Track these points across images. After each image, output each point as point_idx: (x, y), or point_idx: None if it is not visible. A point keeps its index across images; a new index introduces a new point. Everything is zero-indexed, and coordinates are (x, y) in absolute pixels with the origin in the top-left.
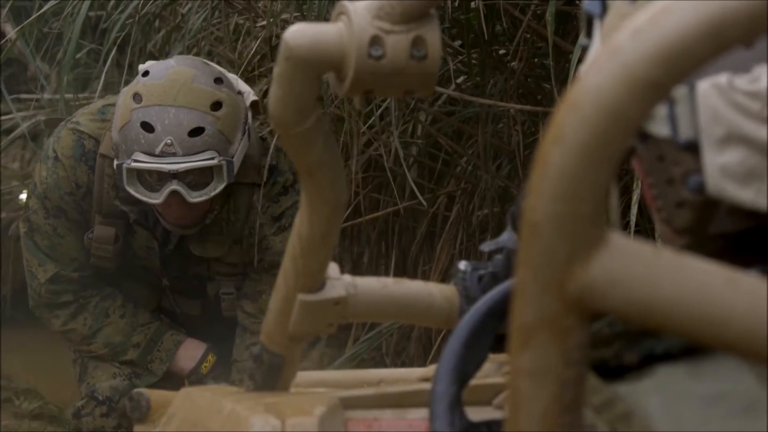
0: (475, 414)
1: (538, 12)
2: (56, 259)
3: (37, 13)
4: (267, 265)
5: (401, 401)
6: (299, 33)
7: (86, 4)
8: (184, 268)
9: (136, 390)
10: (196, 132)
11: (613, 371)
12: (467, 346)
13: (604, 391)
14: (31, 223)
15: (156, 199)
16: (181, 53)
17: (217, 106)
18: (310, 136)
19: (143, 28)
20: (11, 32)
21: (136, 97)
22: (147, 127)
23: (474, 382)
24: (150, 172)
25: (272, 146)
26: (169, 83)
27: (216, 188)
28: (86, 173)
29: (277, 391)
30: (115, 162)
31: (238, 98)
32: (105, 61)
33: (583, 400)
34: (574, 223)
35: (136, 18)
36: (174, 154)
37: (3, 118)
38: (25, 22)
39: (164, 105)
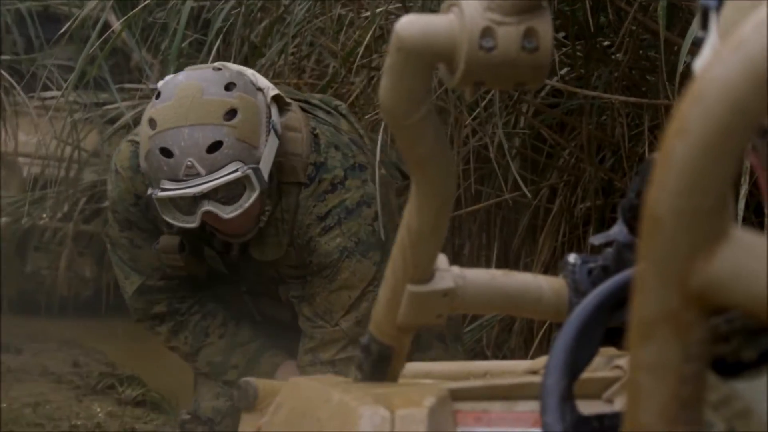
0: (586, 407)
1: (644, 3)
2: (139, 270)
3: (143, 4)
4: (316, 267)
5: (510, 393)
6: (411, 24)
7: None
8: (256, 273)
9: (243, 379)
10: (214, 147)
11: (730, 368)
12: (578, 340)
13: (721, 388)
14: (110, 238)
15: (192, 222)
16: (285, 44)
17: (231, 114)
18: (421, 129)
19: (246, 19)
20: (116, 23)
21: (152, 122)
22: (166, 152)
23: (584, 375)
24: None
25: (323, 143)
26: (179, 102)
27: (250, 198)
28: (143, 183)
29: (386, 382)
30: (149, 191)
31: (256, 98)
32: (209, 52)
33: (703, 397)
34: (697, 217)
35: (240, 9)
36: (197, 175)
37: (108, 107)
38: (131, 13)
39: (178, 127)
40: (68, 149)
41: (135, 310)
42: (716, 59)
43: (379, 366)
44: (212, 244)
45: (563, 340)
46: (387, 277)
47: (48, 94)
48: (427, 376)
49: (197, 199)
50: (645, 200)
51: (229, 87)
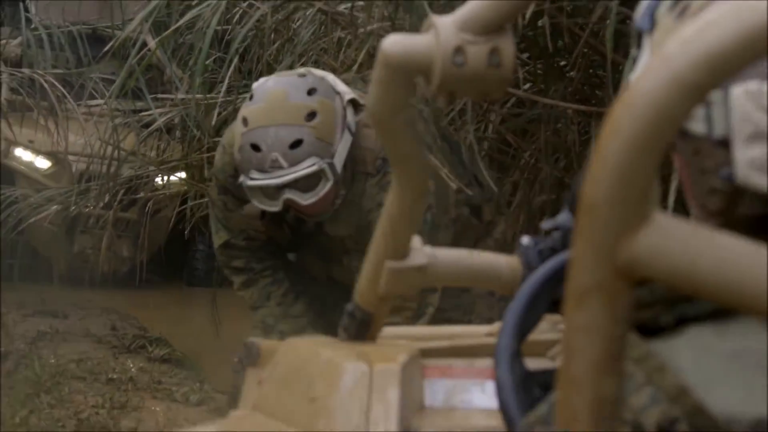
0: (532, 364)
1: (595, 30)
2: (228, 228)
3: (174, 27)
4: None
5: (471, 352)
6: (395, 43)
7: (215, 19)
8: (326, 243)
9: (249, 339)
10: (296, 144)
11: (651, 331)
12: (526, 308)
13: (642, 347)
14: (210, 197)
15: (275, 207)
16: (292, 62)
17: (311, 116)
18: (402, 130)
19: (261, 40)
20: (152, 43)
21: (245, 121)
22: (255, 147)
23: (531, 337)
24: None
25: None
26: (268, 105)
27: (324, 188)
28: None
29: (366, 342)
30: (240, 178)
31: (334, 101)
32: (228, 67)
33: (626, 354)
34: (625, 203)
35: (255, 31)
36: (281, 167)
37: (143, 113)
38: (164, 35)
39: (266, 126)
40: (109, 149)
41: (219, 260)
42: (646, 72)
43: (361, 329)
44: (287, 218)
45: (514, 307)
46: (370, 256)
47: (93, 102)
48: (402, 338)
49: (280, 188)
50: (582, 190)
51: (311, 92)
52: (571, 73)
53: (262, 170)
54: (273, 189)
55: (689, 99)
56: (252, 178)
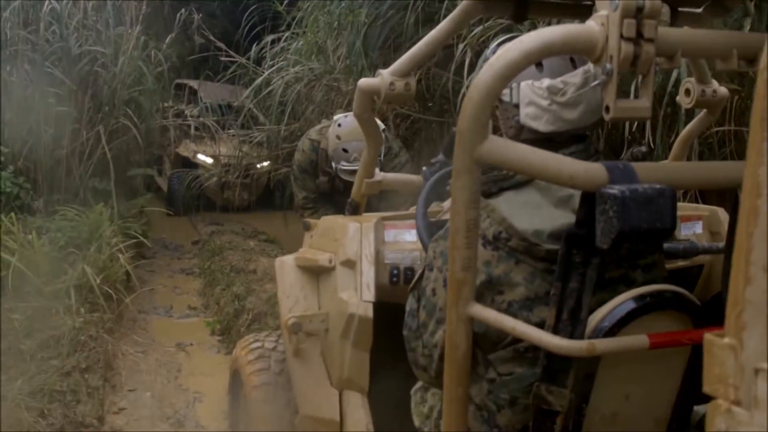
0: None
1: (446, 82)
2: (305, 188)
3: (266, 92)
4: None
5: (406, 218)
6: (364, 81)
7: (280, 90)
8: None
9: (305, 219)
10: (362, 150)
11: (488, 195)
12: (427, 195)
13: (485, 201)
14: (294, 174)
15: (352, 178)
16: (313, 109)
17: None
18: (369, 122)
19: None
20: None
21: (338, 137)
22: (345, 150)
23: (432, 207)
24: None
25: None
26: (348, 129)
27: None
28: (314, 156)
29: (358, 216)
30: (333, 165)
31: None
32: (285, 114)
33: (479, 193)
34: (476, 129)
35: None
36: (357, 159)
37: (251, 134)
38: (259, 97)
39: (349, 140)
40: (236, 152)
41: (298, 203)
42: (481, 72)
43: (355, 210)
44: (336, 186)
45: (421, 196)
46: (357, 179)
47: (231, 131)
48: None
49: (354, 171)
50: (456, 130)
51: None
52: (432, 101)
53: (348, 161)
54: (350, 171)
55: (500, 85)
56: (344, 167)
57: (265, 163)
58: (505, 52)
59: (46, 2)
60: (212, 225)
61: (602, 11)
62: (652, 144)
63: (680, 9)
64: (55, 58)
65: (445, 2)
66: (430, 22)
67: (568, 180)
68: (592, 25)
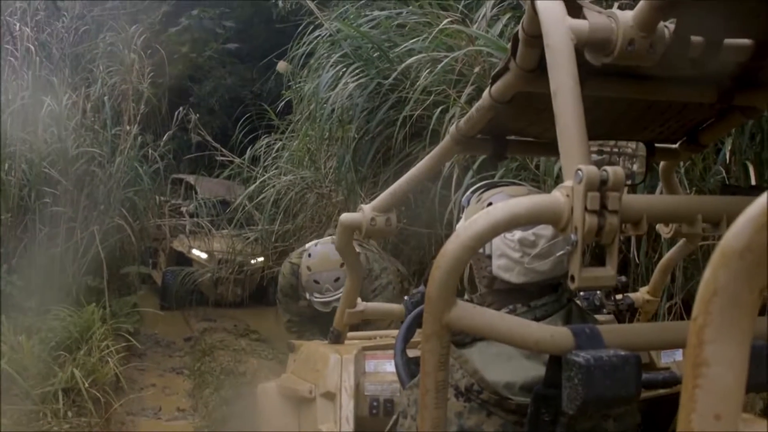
0: (411, 354)
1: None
2: (288, 312)
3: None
4: None
5: (386, 347)
6: (346, 216)
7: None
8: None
9: (290, 341)
10: (336, 280)
11: (462, 345)
12: (408, 329)
13: (458, 352)
14: (278, 298)
15: (326, 309)
16: (313, 213)
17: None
18: (349, 252)
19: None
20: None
21: (309, 268)
22: (317, 282)
23: (413, 341)
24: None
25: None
26: (320, 259)
27: None
28: (294, 280)
29: (339, 344)
30: (307, 296)
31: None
32: (276, 219)
33: (450, 356)
34: (443, 295)
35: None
36: (329, 291)
37: (251, 232)
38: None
39: (320, 271)
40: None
41: (284, 325)
42: (458, 232)
43: (337, 338)
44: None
45: (402, 328)
46: (340, 307)
47: (225, 231)
48: (355, 339)
49: (328, 302)
50: (427, 291)
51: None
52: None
53: (320, 293)
54: (323, 303)
55: (467, 255)
56: (316, 298)
57: (259, 259)
58: (472, 223)
59: (46, 104)
60: (205, 321)
61: (567, 182)
62: (637, 259)
63: (657, 145)
64: (52, 159)
65: (432, 121)
66: (418, 137)
67: (534, 345)
68: (557, 196)
